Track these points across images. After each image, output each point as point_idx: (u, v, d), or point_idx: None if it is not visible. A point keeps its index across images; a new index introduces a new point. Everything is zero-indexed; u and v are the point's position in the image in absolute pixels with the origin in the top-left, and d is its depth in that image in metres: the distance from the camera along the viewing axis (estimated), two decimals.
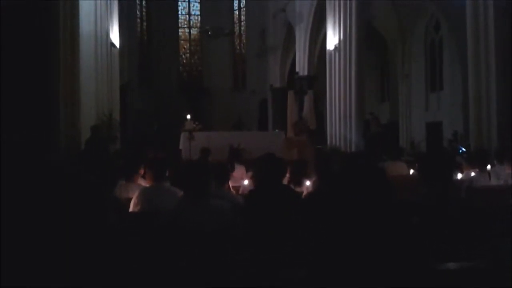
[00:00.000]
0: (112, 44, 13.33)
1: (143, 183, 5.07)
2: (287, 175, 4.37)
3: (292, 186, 4.35)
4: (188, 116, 12.51)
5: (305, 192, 4.45)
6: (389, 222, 2.08)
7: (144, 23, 23.74)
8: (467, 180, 5.56)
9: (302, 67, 17.18)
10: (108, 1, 13.03)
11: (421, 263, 2.10)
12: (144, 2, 23.62)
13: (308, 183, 4.52)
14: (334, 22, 13.95)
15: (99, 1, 12.56)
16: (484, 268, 2.24)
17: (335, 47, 13.94)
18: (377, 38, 17.83)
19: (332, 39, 14.13)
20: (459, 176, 6.12)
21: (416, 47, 17.91)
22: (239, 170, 6.30)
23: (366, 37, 13.57)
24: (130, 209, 4.16)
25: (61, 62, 9.09)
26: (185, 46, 25.66)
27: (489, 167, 5.76)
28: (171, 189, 4.33)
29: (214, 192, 3.31)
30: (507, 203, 3.78)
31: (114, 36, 13.47)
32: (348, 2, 13.24)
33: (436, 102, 17.36)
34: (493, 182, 5.47)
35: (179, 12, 25.30)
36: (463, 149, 10.73)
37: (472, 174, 5.79)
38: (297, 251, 2.32)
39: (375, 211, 2.05)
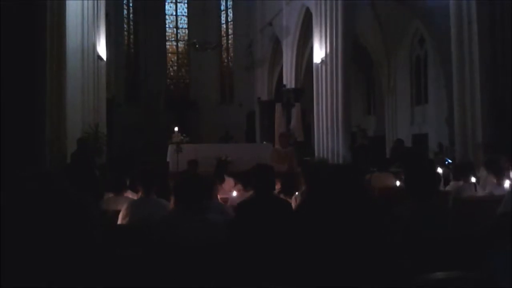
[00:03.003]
0: (99, 57, 13.29)
1: (131, 196, 5.05)
2: (278, 185, 4.38)
3: (283, 196, 4.35)
4: (176, 129, 12.47)
5: (293, 203, 4.46)
6: (373, 234, 2.10)
7: (132, 36, 23.75)
8: (453, 191, 5.62)
9: (289, 80, 17.29)
10: (95, 14, 13.02)
11: (405, 274, 2.11)
12: (131, 16, 23.67)
13: (296, 193, 4.53)
14: (321, 36, 14.12)
15: (86, 14, 12.54)
16: (473, 278, 2.25)
17: (322, 61, 14.08)
18: (363, 52, 18.05)
19: (319, 53, 14.27)
20: (446, 187, 6.18)
21: (401, 62, 18.17)
22: (227, 182, 6.30)
23: (352, 52, 13.73)
24: (119, 222, 4.13)
25: (48, 75, 9.03)
26: (172, 59, 25.70)
27: (473, 179, 5.83)
28: (159, 201, 4.32)
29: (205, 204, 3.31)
30: (492, 213, 3.83)
31: (101, 49, 13.43)
32: (334, 16, 13.42)
33: (421, 115, 17.58)
34: (479, 192, 5.54)
35: (167, 26, 25.37)
36: (449, 161, 10.85)
37: (461, 183, 5.86)
38: (288, 263, 2.32)
39: (358, 223, 2.07)
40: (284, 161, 8.42)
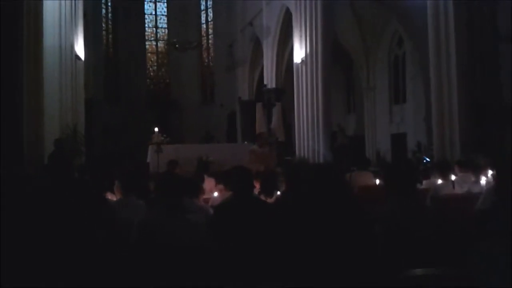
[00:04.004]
0: (77, 57, 13.10)
1: (110, 197, 4.98)
2: (258, 186, 4.37)
3: (263, 197, 4.35)
4: (156, 129, 12.37)
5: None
6: (354, 232, 2.11)
7: (110, 36, 23.47)
8: (431, 189, 5.69)
9: (270, 79, 17.32)
10: (73, 14, 12.84)
11: (386, 271, 2.13)
12: (110, 15, 23.39)
13: (278, 193, 4.53)
14: (301, 36, 14.17)
15: (63, 14, 12.36)
16: (452, 274, 2.28)
17: (302, 60, 14.13)
18: (343, 52, 18.19)
19: (299, 53, 14.33)
20: (424, 185, 6.26)
21: (380, 61, 18.36)
22: (208, 182, 6.26)
23: (332, 52, 13.82)
24: None
25: (25, 75, 8.88)
26: (152, 59, 25.48)
27: (453, 177, 5.92)
28: (139, 203, 4.28)
29: (186, 205, 3.29)
30: (470, 210, 3.89)
31: (79, 49, 13.25)
32: (314, 16, 13.49)
33: (399, 114, 17.79)
34: (457, 190, 5.62)
35: (146, 25, 25.15)
36: (427, 159, 11.00)
37: (439, 181, 5.94)
38: (270, 263, 2.32)
39: (339, 221, 2.08)
40: (261, 161, 8.41)
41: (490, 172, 5.60)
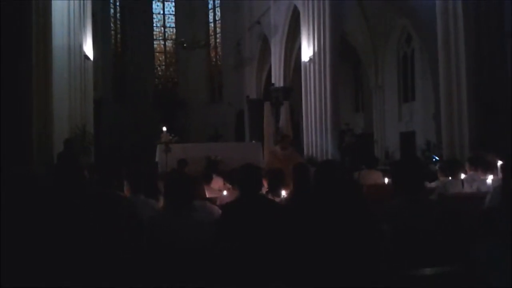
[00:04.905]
0: (86, 57, 13.18)
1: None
2: (265, 184, 4.37)
3: (271, 196, 4.34)
4: (164, 128, 12.42)
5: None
6: (362, 231, 2.10)
7: (119, 36, 23.60)
8: (440, 187, 5.66)
9: (277, 78, 17.31)
10: (82, 14, 12.91)
11: (393, 270, 2.12)
12: (118, 15, 23.51)
13: (284, 193, 4.53)
14: (309, 35, 14.14)
15: (72, 14, 12.44)
16: (459, 272, 2.27)
17: (310, 59, 14.10)
18: (351, 51, 18.14)
19: (307, 51, 14.30)
20: (433, 183, 6.22)
21: (389, 60, 18.27)
22: (216, 181, 6.28)
23: (340, 50, 13.78)
24: None
25: (34, 75, 8.94)
26: (160, 58, 25.58)
27: (462, 175, 5.88)
28: (147, 201, 4.29)
29: (195, 205, 3.29)
30: (479, 208, 3.86)
31: (88, 49, 13.32)
32: (321, 14, 13.45)
33: (408, 113, 17.70)
34: (467, 189, 5.58)
35: (154, 25, 25.26)
36: (437, 158, 10.93)
37: (448, 179, 5.89)
38: (276, 262, 2.32)
39: (347, 220, 2.07)
40: (283, 164, 8.16)
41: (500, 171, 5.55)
